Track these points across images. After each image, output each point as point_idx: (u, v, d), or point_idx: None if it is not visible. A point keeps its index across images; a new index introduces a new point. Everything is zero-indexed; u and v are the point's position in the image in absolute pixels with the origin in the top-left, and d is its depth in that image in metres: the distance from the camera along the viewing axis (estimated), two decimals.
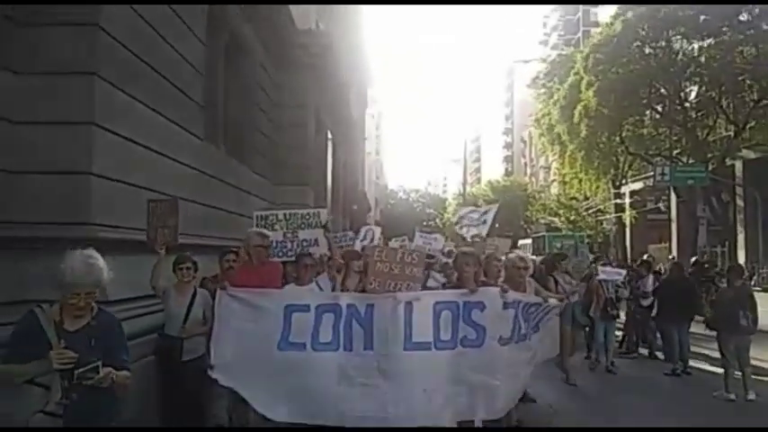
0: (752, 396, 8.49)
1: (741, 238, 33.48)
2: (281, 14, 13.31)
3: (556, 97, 36.40)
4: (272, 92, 13.85)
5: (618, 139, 34.11)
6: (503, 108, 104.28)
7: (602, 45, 31.55)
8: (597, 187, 40.35)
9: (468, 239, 13.68)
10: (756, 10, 27.56)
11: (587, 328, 10.33)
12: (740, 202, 33.94)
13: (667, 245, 38.74)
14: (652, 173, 33.12)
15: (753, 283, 24.01)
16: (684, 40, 30.53)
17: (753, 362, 8.95)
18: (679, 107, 32.19)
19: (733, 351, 8.70)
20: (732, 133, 31.48)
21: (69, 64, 5.89)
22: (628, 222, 42.60)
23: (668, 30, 29.75)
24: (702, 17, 28.81)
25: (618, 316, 11.12)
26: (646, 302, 11.69)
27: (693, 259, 14.60)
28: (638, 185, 42.06)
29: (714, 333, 9.16)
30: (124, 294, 5.74)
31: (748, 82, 29.03)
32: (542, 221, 53.30)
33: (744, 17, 28.19)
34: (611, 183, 40.56)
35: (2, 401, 3.20)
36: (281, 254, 7.03)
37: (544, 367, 6.21)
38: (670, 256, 25.58)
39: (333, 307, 5.33)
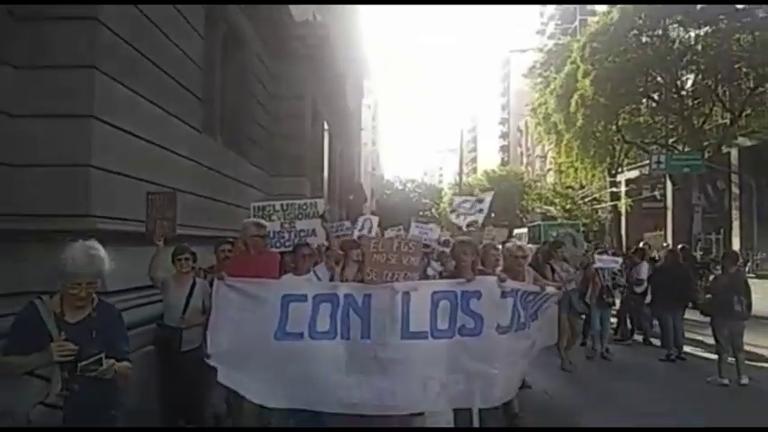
0: (745, 381, 8.60)
1: (736, 225, 33.59)
2: (279, 6, 13.30)
3: (552, 86, 36.34)
4: (269, 83, 13.86)
5: (614, 127, 34.11)
6: (499, 98, 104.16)
7: (599, 34, 31.48)
8: (593, 176, 40.37)
9: (464, 228, 13.74)
10: None
11: (584, 316, 10.41)
12: (735, 190, 34.03)
13: (662, 233, 38.91)
14: (648, 161, 33.25)
15: (747, 269, 24.12)
16: (681, 29, 30.52)
17: (746, 347, 9.04)
18: (675, 95, 32.22)
19: (727, 336, 8.80)
20: (728, 121, 31.52)
21: (69, 58, 5.92)
22: (623, 211, 42.66)
23: (665, 18, 29.69)
24: (699, 6, 28.80)
25: (614, 303, 11.22)
26: (639, 289, 11.78)
27: (680, 246, 14.62)
28: (633, 174, 42.13)
29: (708, 319, 9.26)
30: (123, 285, 5.79)
31: (744, 70, 29.03)
32: (538, 210, 53.29)
33: (741, 5, 28.17)
34: (606, 171, 40.58)
35: (2, 393, 3.20)
36: (278, 244, 7.06)
37: (540, 354, 6.26)
38: (664, 244, 25.70)
39: (330, 297, 5.33)
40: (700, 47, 29.71)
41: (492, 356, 5.44)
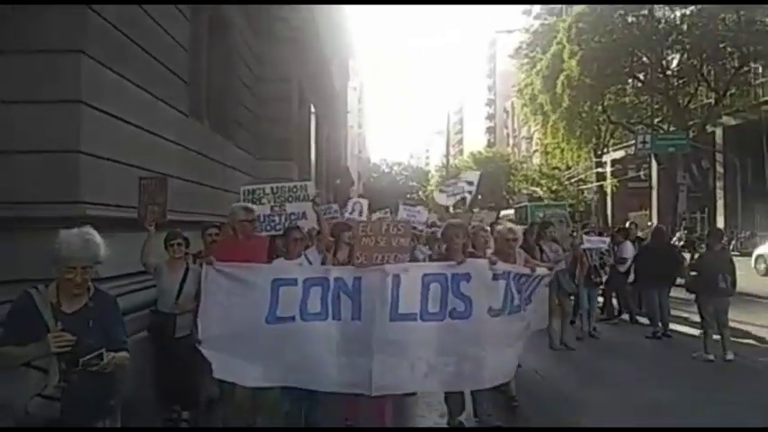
0: (730, 356, 8.74)
1: (720, 204, 33.86)
2: None
3: (538, 67, 36.34)
4: (255, 66, 13.77)
5: (600, 108, 34.27)
6: (485, 79, 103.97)
7: (585, 14, 31.51)
8: (579, 156, 40.59)
9: (451, 210, 13.79)
10: None
11: (572, 296, 10.49)
12: (720, 169, 34.27)
13: (648, 212, 39.23)
14: (633, 141, 33.40)
15: (731, 247, 24.40)
16: (667, 8, 30.59)
17: (730, 324, 9.17)
18: (661, 75, 32.37)
19: (712, 313, 8.92)
20: (713, 100, 31.75)
21: (57, 42, 5.85)
22: (609, 191, 42.94)
23: None
24: None
25: (602, 283, 11.32)
26: (622, 268, 11.87)
27: (649, 224, 14.72)
28: (619, 154, 42.35)
29: (693, 296, 9.38)
30: (115, 272, 5.78)
31: (729, 49, 29.21)
32: (524, 192, 53.51)
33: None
34: (592, 152, 40.81)
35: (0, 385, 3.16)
36: (269, 227, 7.06)
37: (530, 334, 6.31)
38: (648, 223, 25.91)
39: (320, 280, 5.35)
40: (685, 26, 29.86)
41: (482, 339, 5.46)
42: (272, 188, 7.31)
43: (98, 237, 3.33)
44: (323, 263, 6.07)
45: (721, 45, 28.94)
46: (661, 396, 7.18)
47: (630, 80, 34.41)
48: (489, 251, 6.35)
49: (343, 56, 33.82)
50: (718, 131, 33.56)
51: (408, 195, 66.51)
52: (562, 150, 38.95)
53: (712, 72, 31.32)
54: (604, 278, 11.16)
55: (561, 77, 32.20)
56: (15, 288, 5.11)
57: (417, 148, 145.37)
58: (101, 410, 3.38)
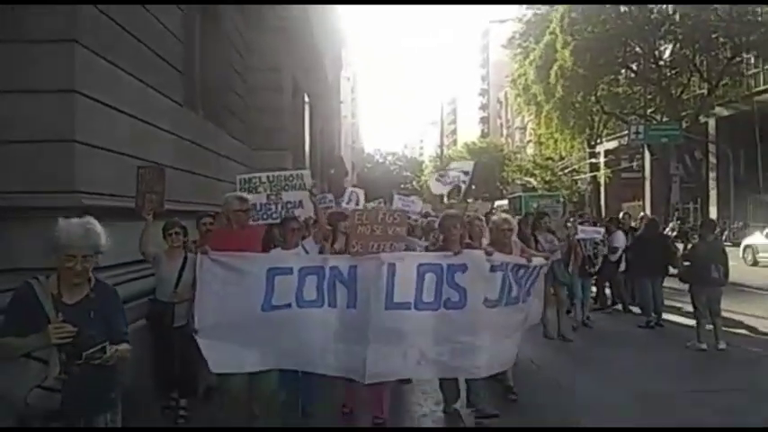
0: (722, 346, 8.80)
1: (713, 194, 34.01)
2: None
3: (532, 57, 36.34)
4: (248, 56, 13.71)
5: (593, 98, 34.30)
6: (479, 69, 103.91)
7: (578, 4, 31.46)
8: (572, 147, 40.67)
9: (446, 200, 13.80)
10: None
11: (567, 286, 10.52)
12: (713, 160, 34.42)
13: (641, 203, 39.37)
14: (627, 132, 33.49)
15: (724, 237, 24.54)
16: None
17: (723, 314, 9.23)
18: (653, 65, 32.42)
19: (705, 303, 8.98)
20: (705, 91, 31.84)
21: (50, 32, 5.80)
22: (602, 181, 43.05)
23: None
24: None
25: (596, 273, 11.37)
26: (614, 257, 11.92)
27: (640, 215, 14.73)
28: (612, 144, 42.45)
29: (686, 286, 9.44)
30: (113, 261, 5.76)
31: (722, 39, 29.25)
32: (518, 182, 53.62)
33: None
34: (586, 142, 40.87)
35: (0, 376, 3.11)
36: (265, 216, 7.04)
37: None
38: (641, 214, 25.97)
39: (316, 269, 5.38)
40: (677, 17, 29.82)
41: (477, 329, 5.49)
42: (268, 177, 7.27)
43: (99, 226, 3.29)
44: (320, 252, 6.08)
45: (714, 35, 28.99)
46: (655, 384, 7.23)
47: (623, 70, 34.45)
48: (485, 241, 6.37)
49: (335, 45, 33.70)
50: (711, 122, 33.68)
51: (402, 185, 66.53)
52: (555, 141, 39.02)
53: (705, 62, 31.40)
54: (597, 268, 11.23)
55: (554, 67, 32.23)
56: (9, 277, 5.12)
57: (411, 139, 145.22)
58: (102, 403, 3.34)
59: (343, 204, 8.77)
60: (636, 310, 11.83)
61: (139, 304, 6.08)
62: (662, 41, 31.84)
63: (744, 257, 21.44)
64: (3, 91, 5.73)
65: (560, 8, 33.13)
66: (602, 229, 11.70)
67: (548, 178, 48.93)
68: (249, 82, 13.80)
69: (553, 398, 6.89)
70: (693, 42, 29.94)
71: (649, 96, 35.21)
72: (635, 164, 42.16)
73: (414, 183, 76.58)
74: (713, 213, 31.81)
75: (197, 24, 10.65)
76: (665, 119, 33.01)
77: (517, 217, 10.39)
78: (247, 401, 6.07)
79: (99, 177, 6.22)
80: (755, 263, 21.39)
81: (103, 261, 5.24)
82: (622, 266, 12.09)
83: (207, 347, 5.21)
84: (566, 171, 47.63)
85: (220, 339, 5.25)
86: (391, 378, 5.71)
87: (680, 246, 13.24)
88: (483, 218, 7.62)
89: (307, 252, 6.09)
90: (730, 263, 9.36)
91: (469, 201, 23.16)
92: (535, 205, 14.58)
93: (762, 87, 30.97)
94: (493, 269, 5.55)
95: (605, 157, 43.36)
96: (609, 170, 42.55)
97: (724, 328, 9.13)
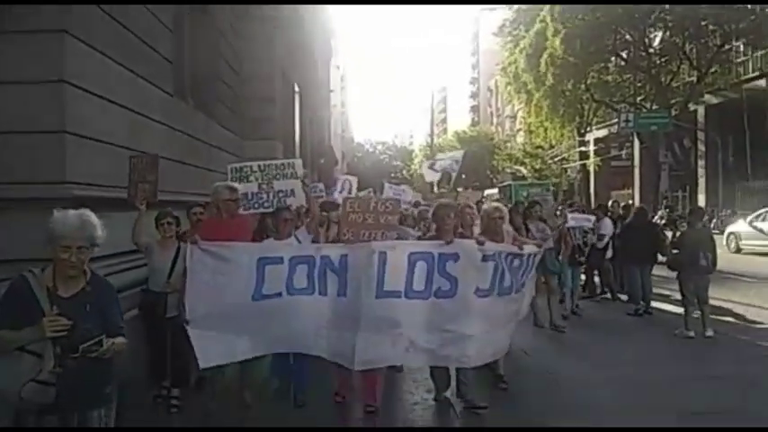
0: (710, 333, 8.88)
1: (702, 182, 34.19)
2: None
3: (522, 45, 36.26)
4: (238, 45, 13.65)
5: (583, 86, 34.32)
6: (469, 57, 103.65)
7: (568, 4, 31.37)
8: (562, 135, 40.74)
9: (436, 189, 13.84)
10: None
11: (557, 276, 10.55)
12: (702, 147, 34.55)
13: (630, 191, 39.54)
14: (616, 120, 33.56)
15: (712, 225, 24.72)
16: None
17: (711, 301, 9.32)
18: (643, 53, 32.48)
19: (693, 290, 9.06)
20: (695, 78, 31.90)
21: (40, 22, 5.78)
22: (592, 170, 43.17)
23: None
24: None
25: (585, 262, 11.44)
26: (600, 244, 11.99)
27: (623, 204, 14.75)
28: (602, 133, 42.55)
29: (674, 274, 9.51)
30: (105, 251, 5.76)
31: (711, 27, 29.31)
32: (508, 171, 53.68)
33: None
34: (575, 131, 40.93)
35: None
36: (257, 205, 7.04)
37: None
38: (629, 201, 26.11)
39: (306, 259, 5.39)
40: (667, 5, 29.83)
41: (468, 319, 5.50)
42: (259, 166, 7.27)
43: (95, 218, 3.26)
44: (313, 242, 6.10)
45: (703, 23, 29.04)
46: (644, 372, 7.31)
47: (613, 58, 34.49)
48: (476, 230, 6.37)
49: (325, 34, 33.53)
50: (700, 110, 33.80)
51: (393, 175, 66.51)
52: (545, 129, 39.05)
53: (694, 50, 31.46)
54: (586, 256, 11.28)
55: (545, 55, 32.19)
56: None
57: (401, 128, 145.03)
58: (96, 398, 3.30)
59: (336, 193, 8.77)
60: (624, 297, 11.92)
61: (132, 294, 6.08)
62: (652, 29, 31.87)
63: (727, 245, 21.64)
64: None
65: None
66: (593, 217, 11.75)
67: (538, 167, 49.00)
68: (239, 71, 13.75)
69: (543, 386, 6.94)
70: (683, 30, 29.99)
71: (639, 84, 35.31)
72: (624, 152, 42.29)
73: (404, 172, 76.56)
74: (702, 201, 31.98)
75: (186, 15, 10.58)
76: (654, 107, 33.09)
77: (508, 206, 10.40)
78: (239, 390, 6.13)
79: (90, 168, 6.22)
80: (738, 250, 21.65)
81: (95, 251, 5.27)
82: (609, 254, 12.18)
83: (198, 338, 5.21)
84: (555, 159, 47.71)
85: (211, 329, 5.25)
86: (380, 365, 5.76)
87: (668, 234, 13.33)
88: (474, 206, 7.65)
89: (299, 242, 6.11)
90: (721, 250, 9.43)
91: (459, 190, 23.20)
92: (525, 194, 14.60)
93: (751, 75, 31.09)
94: (485, 258, 5.55)
95: (595, 145, 43.47)
96: (598, 158, 42.66)
97: (711, 316, 9.22)
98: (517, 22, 39.70)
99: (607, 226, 12.05)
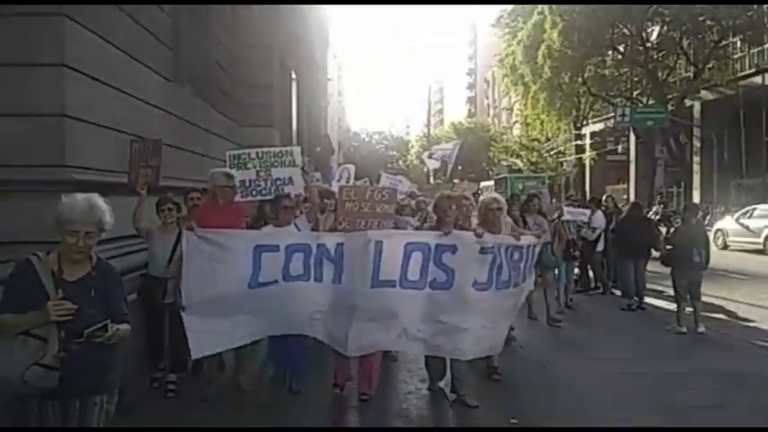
0: (702, 329, 8.96)
1: (697, 178, 34.24)
2: None
3: (520, 37, 36.20)
4: (236, 31, 13.59)
5: (580, 79, 34.30)
6: (466, 48, 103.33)
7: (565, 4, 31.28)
8: (559, 129, 40.74)
9: (432, 181, 13.87)
10: None
11: (553, 270, 10.58)
12: (697, 144, 34.57)
13: (626, 185, 39.61)
14: (613, 114, 33.56)
15: (706, 222, 24.86)
16: None
17: (703, 298, 9.39)
18: (641, 47, 32.44)
19: (686, 286, 9.12)
20: (692, 74, 31.92)
21: (39, 5, 5.73)
22: (587, 164, 43.20)
23: None
24: None
25: (578, 257, 11.48)
26: (592, 237, 11.99)
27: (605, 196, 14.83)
28: (598, 127, 42.52)
29: (667, 270, 9.58)
30: (105, 235, 5.78)
31: (709, 22, 29.32)
32: (504, 163, 53.68)
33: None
34: (572, 124, 40.92)
35: None
36: (254, 192, 7.03)
37: None
38: (624, 196, 26.19)
39: (303, 247, 5.39)
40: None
41: (463, 311, 5.50)
42: (257, 153, 7.24)
43: (103, 203, 3.24)
44: (313, 230, 6.11)
45: (700, 18, 29.02)
46: (636, 366, 7.40)
47: (611, 52, 34.46)
48: (474, 221, 6.36)
49: (322, 21, 33.39)
50: (696, 106, 33.82)
51: (389, 164, 66.46)
52: (542, 122, 39.04)
53: (691, 45, 31.47)
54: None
55: (542, 48, 32.16)
56: None
57: (398, 118, 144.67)
58: (99, 384, 3.27)
59: (334, 182, 8.76)
60: (617, 292, 11.99)
61: (131, 279, 6.08)
62: (649, 23, 31.83)
63: (715, 241, 21.84)
64: None
65: None
66: (588, 211, 11.79)
67: (533, 159, 48.97)
68: (240, 58, 13.70)
69: (536, 378, 7.02)
70: (681, 25, 29.98)
71: (636, 79, 35.30)
72: (620, 147, 42.32)
73: (400, 162, 76.48)
74: (696, 197, 32.05)
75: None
76: (650, 102, 33.11)
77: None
78: (235, 376, 6.16)
79: (89, 152, 6.19)
80: (725, 246, 21.94)
81: (102, 236, 5.30)
82: (600, 246, 12.22)
83: (191, 327, 5.21)
84: (551, 153, 47.70)
85: (207, 316, 5.25)
86: (373, 350, 5.76)
87: (663, 229, 13.40)
88: (471, 197, 7.66)
89: (299, 230, 6.12)
90: (713, 247, 9.51)
91: (455, 181, 23.25)
92: (520, 186, 14.59)
93: (747, 71, 31.12)
94: (483, 251, 5.52)
95: (591, 139, 43.45)
96: (594, 152, 42.67)
97: (703, 313, 9.30)
98: (515, 13, 39.61)
99: (599, 219, 12.10)
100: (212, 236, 5.34)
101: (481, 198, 6.92)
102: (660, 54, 33.16)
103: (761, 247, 20.94)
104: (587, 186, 42.55)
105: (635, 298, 10.89)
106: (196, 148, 10.06)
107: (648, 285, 11.44)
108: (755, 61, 30.86)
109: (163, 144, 6.32)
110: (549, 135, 43.42)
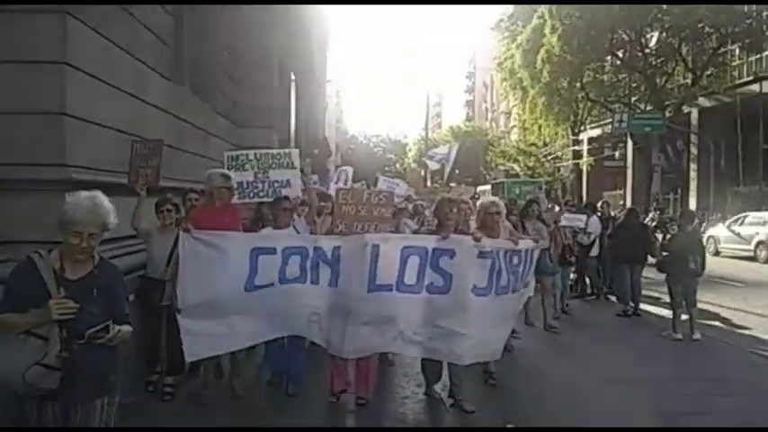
0: (697, 336, 8.98)
1: (693, 185, 34.26)
2: None
3: (519, 41, 36.27)
4: (236, 32, 13.59)
5: (578, 85, 34.36)
6: (465, 51, 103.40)
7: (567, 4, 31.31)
8: (556, 134, 40.82)
9: (429, 185, 13.93)
10: None
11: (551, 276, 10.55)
12: (694, 151, 34.60)
13: (622, 191, 39.64)
14: (610, 120, 33.61)
15: (702, 229, 24.93)
16: None
17: (698, 305, 9.40)
18: (639, 53, 32.50)
19: (681, 293, 9.15)
20: (690, 81, 32.00)
21: (41, 3, 5.74)
22: (585, 169, 43.24)
23: None
24: None
25: (574, 263, 11.48)
26: (586, 241, 11.99)
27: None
28: (596, 132, 42.58)
29: (663, 277, 9.60)
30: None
31: (708, 29, 29.40)
32: (501, 168, 53.68)
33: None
34: (569, 129, 40.97)
35: None
36: (251, 194, 7.02)
37: None
38: (620, 202, 26.19)
39: (300, 250, 5.38)
40: (665, 5, 29.86)
41: (461, 316, 5.46)
42: (255, 154, 7.23)
43: (107, 202, 3.19)
44: (311, 233, 6.10)
45: (699, 25, 29.08)
46: (632, 372, 7.42)
47: (609, 57, 34.53)
48: (473, 224, 6.35)
49: (321, 24, 33.39)
50: (694, 113, 33.86)
51: (386, 168, 66.41)
52: (540, 127, 39.11)
53: (690, 52, 31.54)
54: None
55: (541, 52, 32.21)
56: None
57: (395, 121, 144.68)
58: (100, 386, 3.23)
59: (332, 184, 8.76)
60: (613, 298, 12.01)
61: (129, 280, 6.06)
62: (648, 29, 31.91)
63: (707, 248, 21.99)
64: None
65: None
66: (584, 217, 11.80)
67: (531, 164, 48.97)
68: (239, 59, 13.71)
69: (532, 384, 7.02)
70: (680, 31, 30.04)
71: (634, 85, 35.39)
72: (617, 153, 42.35)
73: (397, 165, 76.44)
74: (693, 204, 32.05)
75: None
76: (648, 108, 33.17)
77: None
78: (230, 381, 6.16)
79: (88, 151, 6.19)
80: (717, 253, 22.16)
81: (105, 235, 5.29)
82: (595, 251, 12.23)
83: (186, 330, 5.21)
84: (549, 158, 47.74)
85: (203, 318, 5.26)
86: (369, 352, 5.75)
87: (659, 236, 13.43)
88: (470, 201, 7.65)
89: (298, 232, 6.12)
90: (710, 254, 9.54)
91: (452, 185, 23.25)
92: (517, 191, 14.51)
93: (745, 79, 31.18)
94: (482, 255, 5.49)
95: (588, 144, 43.46)
96: (591, 158, 42.69)
97: (699, 320, 9.32)
98: (515, 17, 39.66)
99: (594, 224, 12.11)
100: (209, 237, 5.32)
101: (480, 202, 6.90)
102: (659, 60, 33.23)
103: (751, 253, 21.36)
104: (584, 192, 42.58)
105: (630, 304, 10.90)
106: (195, 148, 10.06)
107: (644, 292, 11.46)
108: (753, 69, 30.91)
109: (164, 145, 6.31)
110: (547, 140, 43.51)
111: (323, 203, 6.72)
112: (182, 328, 5.21)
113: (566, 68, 32.03)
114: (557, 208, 10.75)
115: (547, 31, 31.77)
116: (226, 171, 6.58)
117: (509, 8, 41.33)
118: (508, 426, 5.62)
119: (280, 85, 16.42)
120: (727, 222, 23.27)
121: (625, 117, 31.49)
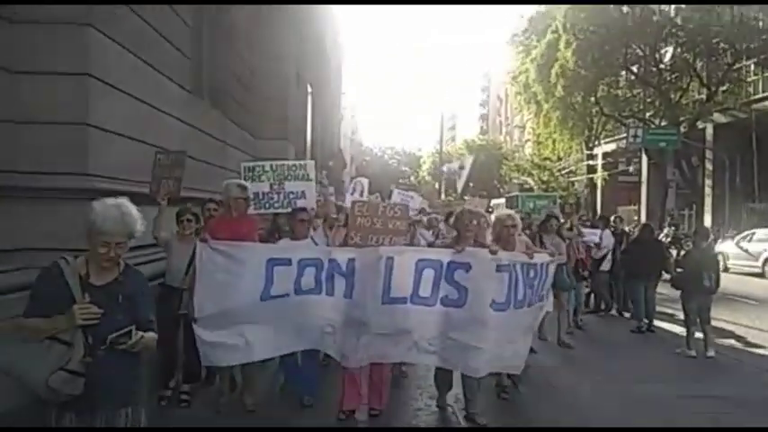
0: (711, 353, 8.92)
1: (708, 201, 34.07)
2: None
3: (533, 55, 36.33)
4: (254, 44, 13.76)
5: (593, 99, 34.33)
6: (480, 65, 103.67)
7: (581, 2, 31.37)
8: (570, 148, 40.72)
9: (443, 198, 13.95)
10: None
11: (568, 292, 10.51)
12: (709, 166, 34.42)
13: (637, 207, 39.44)
14: (625, 135, 33.51)
15: (717, 245, 24.78)
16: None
17: (712, 322, 9.34)
18: (654, 68, 32.45)
19: (695, 309, 9.09)
20: (704, 96, 31.89)
21: (66, 15, 5.87)
22: (599, 184, 43.08)
23: None
24: None
25: (587, 277, 11.44)
26: (598, 255, 11.93)
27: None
28: (610, 147, 42.42)
29: (677, 293, 9.54)
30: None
31: (723, 45, 29.33)
32: (515, 181, 53.57)
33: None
34: (584, 144, 40.88)
35: (21, 358, 2.93)
36: (267, 205, 7.09)
37: None
38: (635, 218, 26.04)
39: (315, 261, 5.41)
40: (680, 19, 29.85)
41: (481, 332, 5.42)
42: (271, 165, 7.30)
43: (135, 210, 3.16)
44: (328, 245, 6.15)
45: (714, 40, 29.03)
46: (645, 388, 7.36)
47: (624, 72, 34.48)
48: (489, 237, 6.33)
49: (337, 35, 33.66)
50: (709, 128, 33.71)
51: (400, 180, 66.49)
52: (554, 141, 39.06)
53: (705, 67, 31.45)
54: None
55: (555, 67, 32.26)
56: (22, 256, 5.22)
57: (410, 134, 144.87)
58: (125, 395, 3.19)
59: (348, 195, 8.81)
60: (628, 315, 11.96)
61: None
62: (663, 44, 31.87)
63: None
64: (17, 72, 5.80)
65: (564, 6, 32.98)
66: (599, 231, 11.77)
67: (545, 178, 48.83)
68: (257, 71, 13.86)
69: (544, 398, 7.01)
70: (695, 46, 29.99)
71: (648, 100, 35.27)
72: (632, 167, 42.16)
73: (411, 178, 76.49)
74: (708, 220, 31.88)
75: (206, 12, 10.68)
76: (663, 123, 33.07)
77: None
78: (240, 394, 6.20)
79: (111, 161, 6.30)
80: (726, 269, 21.91)
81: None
82: (607, 266, 12.17)
83: (203, 337, 5.26)
84: (563, 172, 47.61)
85: (218, 328, 5.31)
86: (382, 360, 5.73)
87: (673, 252, 13.37)
88: (486, 214, 7.66)
89: (316, 244, 6.17)
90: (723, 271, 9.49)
91: (466, 198, 23.25)
92: (531, 205, 14.49)
93: (760, 95, 31.04)
94: (499, 269, 5.46)
95: (603, 159, 43.28)
96: (606, 173, 42.54)
97: (713, 337, 9.27)
98: (529, 32, 39.73)
99: (607, 238, 12.07)
100: (226, 248, 5.39)
101: (495, 214, 6.89)
102: (673, 76, 33.14)
103: (759, 270, 21.34)
104: (598, 207, 42.40)
105: (644, 320, 10.86)
106: (214, 159, 10.17)
107: (659, 308, 11.41)
108: None
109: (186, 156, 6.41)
110: (561, 154, 43.40)
111: (334, 216, 6.76)
112: (197, 338, 5.27)
113: (580, 83, 32.04)
114: (568, 224, 10.67)
115: (561, 45, 31.82)
116: (242, 182, 6.65)
117: (524, 22, 41.35)
118: None
119: (296, 97, 16.57)
120: (736, 239, 23.17)
121: (640, 132, 31.43)
